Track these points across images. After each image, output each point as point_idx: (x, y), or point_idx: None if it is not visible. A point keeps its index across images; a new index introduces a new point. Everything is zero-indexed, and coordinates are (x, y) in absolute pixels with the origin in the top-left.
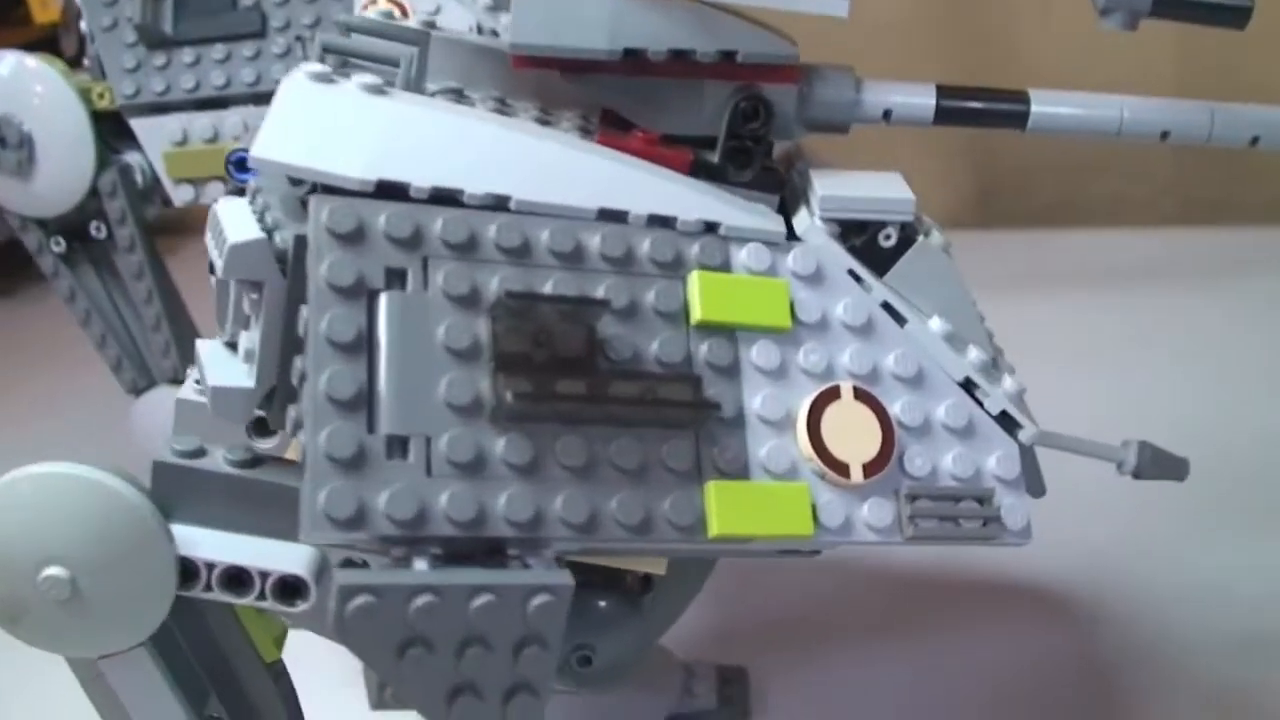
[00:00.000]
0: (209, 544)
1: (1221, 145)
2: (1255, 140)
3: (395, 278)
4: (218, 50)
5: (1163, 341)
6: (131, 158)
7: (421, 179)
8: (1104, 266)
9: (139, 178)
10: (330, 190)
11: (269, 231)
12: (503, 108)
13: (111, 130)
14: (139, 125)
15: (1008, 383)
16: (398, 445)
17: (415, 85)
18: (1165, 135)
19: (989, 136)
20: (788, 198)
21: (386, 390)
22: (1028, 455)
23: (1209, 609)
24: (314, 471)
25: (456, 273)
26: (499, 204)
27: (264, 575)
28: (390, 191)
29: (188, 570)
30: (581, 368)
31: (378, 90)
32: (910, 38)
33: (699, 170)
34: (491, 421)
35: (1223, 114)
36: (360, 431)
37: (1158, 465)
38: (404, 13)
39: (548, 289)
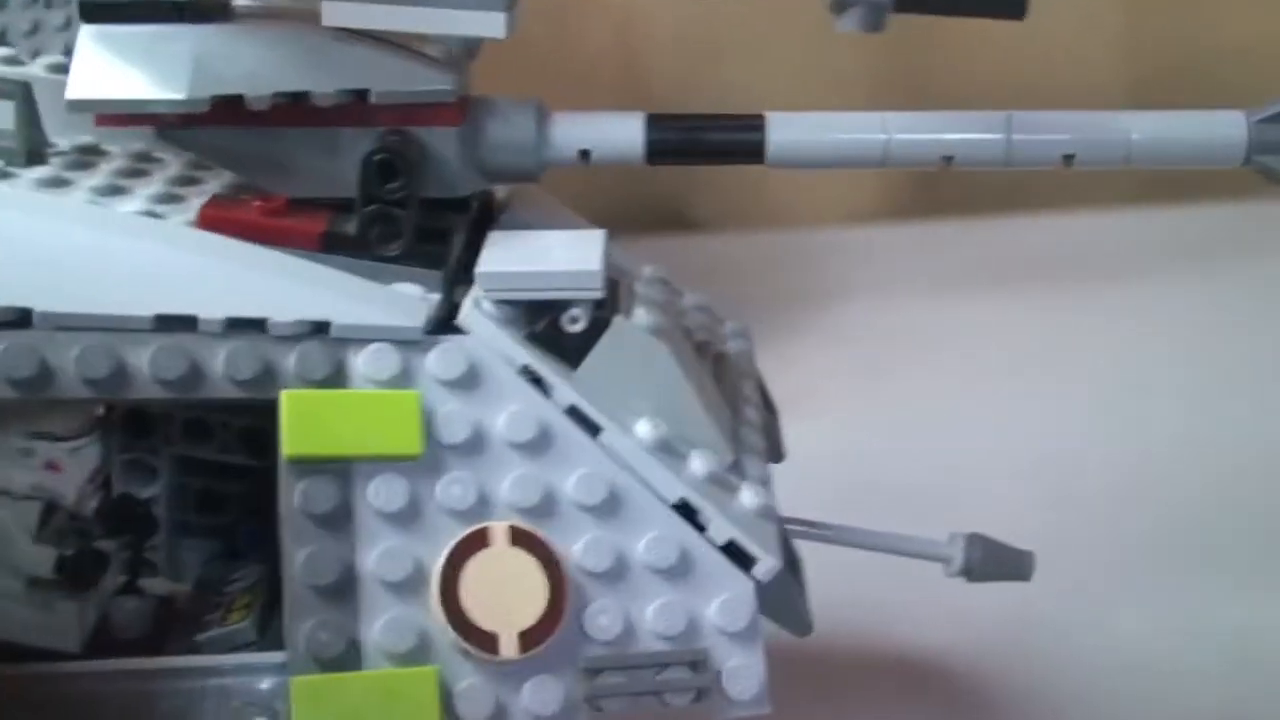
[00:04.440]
0: None
1: (1025, 168)
2: (1069, 159)
3: None
4: None
5: (1120, 336)
6: None
7: None
8: (1058, 254)
9: None
10: None
11: None
12: (140, 165)
13: None
14: None
15: (746, 498)
16: None
17: None
18: (949, 160)
19: None
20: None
21: None
22: (778, 589)
23: (1138, 686)
24: None
25: None
26: (20, 319)
27: None
28: None
29: None
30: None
31: None
32: (838, 59)
33: (333, 244)
34: None
35: (1024, 126)
36: None
37: (993, 564)
38: None
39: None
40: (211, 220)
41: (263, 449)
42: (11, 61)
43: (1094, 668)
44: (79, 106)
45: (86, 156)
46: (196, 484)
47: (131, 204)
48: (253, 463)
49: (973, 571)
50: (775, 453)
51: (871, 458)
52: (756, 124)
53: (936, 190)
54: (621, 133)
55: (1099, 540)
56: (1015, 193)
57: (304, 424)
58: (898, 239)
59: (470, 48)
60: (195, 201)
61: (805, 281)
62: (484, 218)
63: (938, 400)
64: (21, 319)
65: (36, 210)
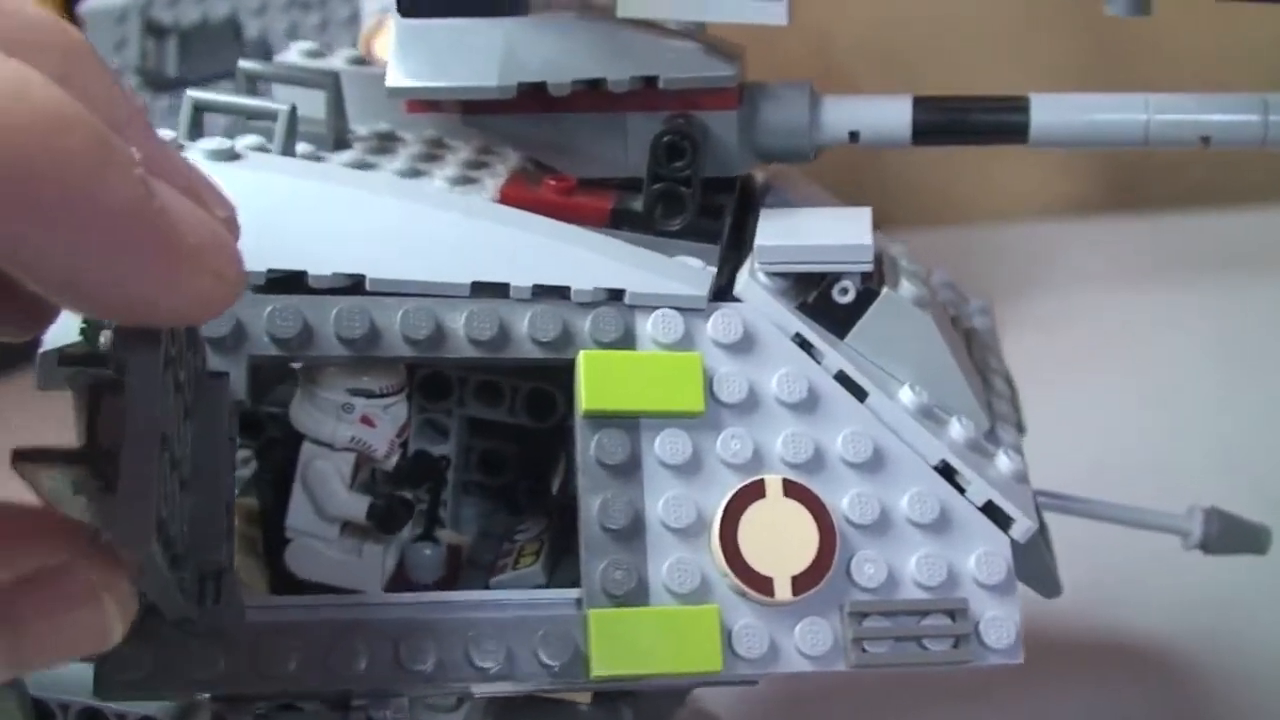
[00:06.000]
0: (63, 681)
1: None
2: None
3: (220, 380)
4: (224, 89)
5: None
6: None
7: (255, 261)
8: (1262, 250)
9: None
10: None
11: None
12: (435, 150)
13: None
14: None
15: (1002, 463)
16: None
17: (288, 145)
18: (1206, 140)
19: None
20: (748, 242)
21: None
22: (1030, 551)
23: None
24: None
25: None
26: (352, 285)
27: (121, 717)
28: None
29: (42, 712)
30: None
31: (223, 156)
32: (1039, 72)
33: (620, 220)
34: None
35: None
36: None
37: (1231, 537)
38: None
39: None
40: (511, 198)
41: (545, 412)
42: (314, 55)
43: None
44: (398, 93)
45: (385, 142)
46: (481, 445)
47: (431, 186)
48: (537, 425)
49: (1210, 545)
50: (1018, 425)
51: (1061, 450)
52: (1021, 105)
53: (1124, 185)
54: (890, 115)
55: None
56: (1203, 188)
57: (600, 381)
58: (1087, 234)
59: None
60: (489, 183)
61: (996, 276)
62: (746, 197)
63: (1129, 394)
64: (355, 285)
65: (366, 186)
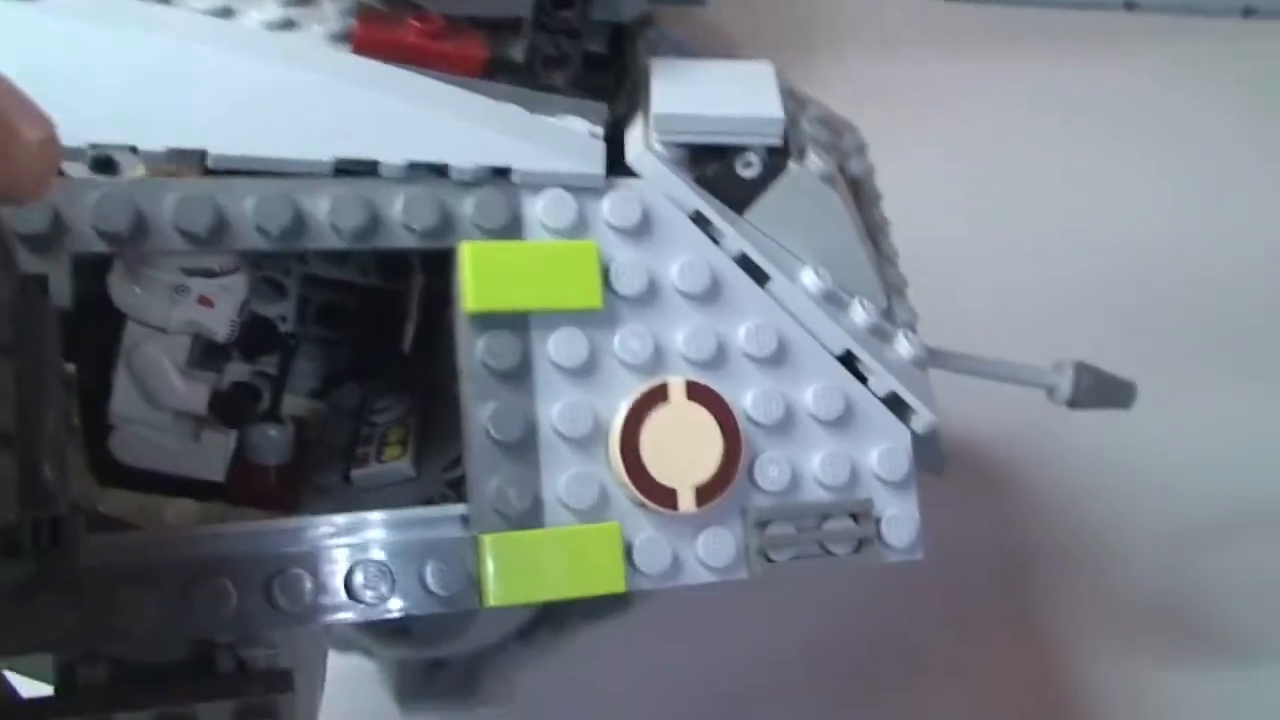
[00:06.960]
0: None
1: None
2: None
3: (36, 287)
4: None
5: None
6: None
7: (70, 135)
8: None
9: None
10: None
11: None
12: None
13: None
14: None
15: (902, 346)
16: None
17: None
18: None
19: None
20: (627, 94)
21: None
22: (927, 438)
23: (1150, 486)
24: None
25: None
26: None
27: None
28: None
29: None
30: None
31: None
32: None
33: (496, 70)
34: None
35: None
36: None
37: (1099, 392)
38: None
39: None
40: (368, 42)
41: (398, 270)
42: None
43: (1117, 459)
44: None
45: None
46: (320, 297)
47: (266, 9)
48: (390, 286)
49: (1078, 400)
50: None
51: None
52: None
53: None
54: None
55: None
56: None
57: (487, 278)
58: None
59: None
60: (328, 6)
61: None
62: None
63: (934, 162)
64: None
65: (205, 38)
